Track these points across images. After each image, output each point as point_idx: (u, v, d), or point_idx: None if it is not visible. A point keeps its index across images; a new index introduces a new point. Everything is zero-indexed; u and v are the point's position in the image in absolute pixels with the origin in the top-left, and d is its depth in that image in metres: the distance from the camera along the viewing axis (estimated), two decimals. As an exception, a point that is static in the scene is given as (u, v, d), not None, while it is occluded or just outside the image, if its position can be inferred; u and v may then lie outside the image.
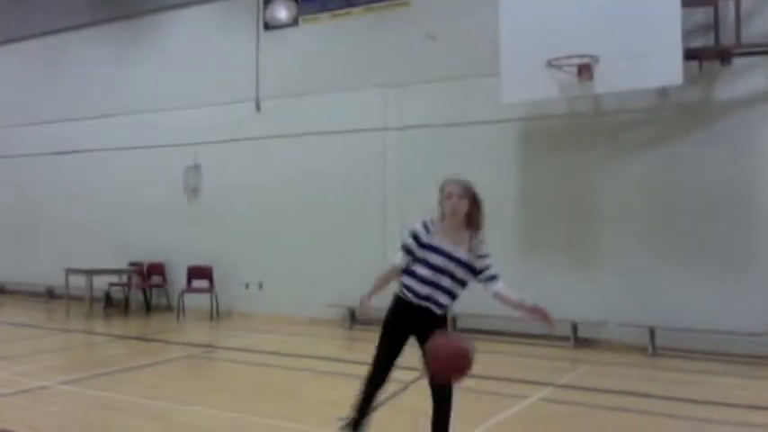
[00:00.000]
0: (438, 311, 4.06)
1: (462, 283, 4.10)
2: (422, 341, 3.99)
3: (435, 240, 4.02)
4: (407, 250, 4.09)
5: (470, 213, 4.04)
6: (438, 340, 3.78)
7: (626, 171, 9.10)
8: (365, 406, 4.20)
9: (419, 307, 4.03)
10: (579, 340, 9.09)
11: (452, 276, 4.02)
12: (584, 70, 8.32)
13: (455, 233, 4.03)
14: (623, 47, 8.14)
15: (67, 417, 5.81)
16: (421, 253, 4.03)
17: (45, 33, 14.77)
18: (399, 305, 4.13)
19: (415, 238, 4.06)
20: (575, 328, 9.07)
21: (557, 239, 9.50)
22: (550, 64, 8.44)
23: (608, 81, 8.31)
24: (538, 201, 9.67)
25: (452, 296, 4.08)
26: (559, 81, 8.52)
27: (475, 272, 4.09)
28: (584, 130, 9.37)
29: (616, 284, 8.98)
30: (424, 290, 4.04)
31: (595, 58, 8.27)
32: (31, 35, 14.98)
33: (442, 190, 4.05)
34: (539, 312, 4.13)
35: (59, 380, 7.02)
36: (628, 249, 9.01)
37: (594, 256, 9.23)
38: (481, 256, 4.08)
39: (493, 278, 4.13)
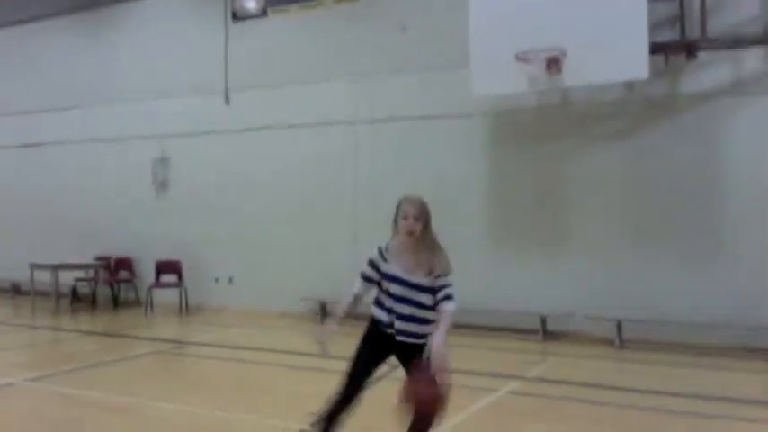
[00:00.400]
0: (413, 341, 3.85)
1: (429, 308, 3.83)
2: (403, 363, 3.95)
3: (392, 267, 3.84)
4: (366, 278, 3.93)
5: (424, 234, 3.82)
6: (414, 385, 3.67)
7: (595, 162, 9.18)
8: (328, 424, 3.92)
9: (392, 336, 3.88)
10: (548, 333, 9.17)
11: (416, 304, 3.82)
12: (553, 63, 8.37)
13: (412, 254, 3.82)
14: (591, 40, 8.20)
15: (34, 414, 5.73)
16: (384, 283, 3.86)
17: (9, 23, 14.45)
18: (377, 329, 3.97)
19: (374, 266, 3.90)
20: (543, 320, 9.15)
21: (526, 231, 9.56)
22: (519, 57, 8.48)
23: (576, 74, 8.36)
24: (507, 192, 9.72)
25: (423, 322, 3.83)
26: (528, 74, 8.56)
27: (435, 293, 3.82)
28: (553, 121, 9.44)
29: (584, 276, 9.08)
30: (392, 321, 3.88)
31: (563, 52, 8.32)
32: (-6, 25, 14.67)
33: (398, 207, 3.86)
34: (433, 361, 3.59)
35: (25, 377, 6.92)
36: (596, 240, 9.10)
37: (563, 248, 9.32)
38: (439, 276, 3.80)
39: (446, 298, 3.78)
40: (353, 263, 10.25)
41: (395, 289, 3.82)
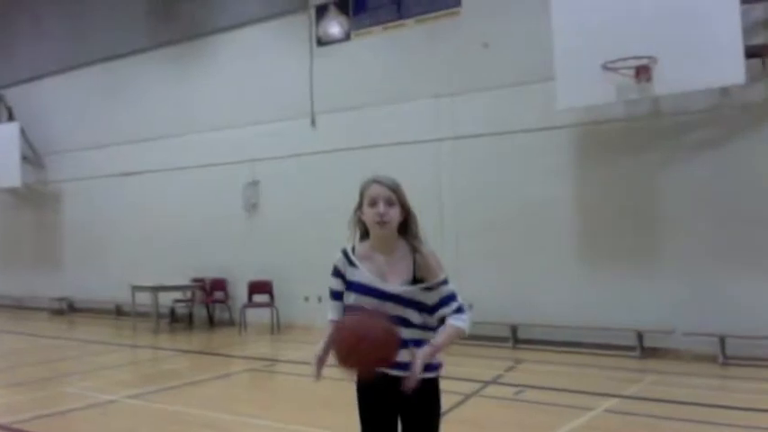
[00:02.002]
0: (399, 373, 2.72)
1: (420, 327, 2.85)
2: (405, 418, 2.89)
3: (359, 274, 2.88)
4: (337, 295, 2.96)
5: (404, 224, 2.90)
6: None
7: (688, 173, 8.83)
8: None
9: (384, 378, 2.76)
10: (645, 350, 8.84)
11: (399, 321, 2.76)
12: (642, 72, 8.15)
13: (386, 254, 2.88)
14: (682, 46, 7.95)
15: (135, 430, 5.94)
16: (352, 296, 2.89)
17: (105, 59, 15.25)
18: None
19: (340, 275, 2.95)
20: (640, 337, 8.83)
21: (617, 246, 9.27)
22: (606, 67, 8.30)
23: (667, 82, 8.12)
24: (596, 207, 9.47)
25: (413, 344, 2.78)
26: (616, 84, 8.37)
27: (427, 308, 2.85)
28: (642, 132, 9.15)
29: (682, 291, 8.71)
30: None
31: (653, 59, 8.09)
32: (93, 61, 15.48)
33: (362, 193, 2.90)
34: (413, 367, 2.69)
35: (126, 394, 7.20)
36: (692, 254, 8.73)
37: (658, 262, 8.98)
38: (431, 288, 2.83)
39: (456, 312, 2.84)
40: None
41: (364, 301, 2.83)
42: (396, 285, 2.82)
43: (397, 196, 2.84)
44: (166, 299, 12.79)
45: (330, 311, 3.00)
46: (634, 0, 8.37)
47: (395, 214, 2.84)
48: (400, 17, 11.27)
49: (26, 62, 16.72)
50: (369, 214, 2.85)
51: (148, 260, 14.06)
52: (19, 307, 16.43)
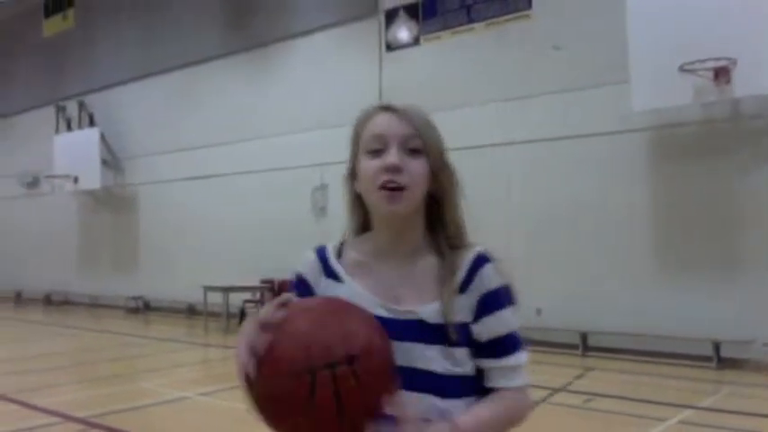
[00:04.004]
0: None
1: (464, 383, 1.46)
2: None
3: (345, 288, 1.55)
4: None
5: (440, 192, 1.55)
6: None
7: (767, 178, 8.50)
8: None
9: None
10: (722, 360, 8.52)
11: (421, 376, 1.42)
12: (722, 74, 7.89)
13: (400, 256, 1.55)
14: (762, 48, 7.65)
15: (207, 427, 6.07)
16: None
17: (180, 66, 15.70)
18: None
19: (305, 291, 1.64)
20: (717, 347, 8.52)
21: (693, 252, 8.98)
22: (684, 68, 8.06)
23: (747, 84, 7.83)
24: (671, 212, 9.20)
25: (441, 416, 1.40)
26: (693, 85, 8.13)
27: (462, 343, 1.45)
28: (720, 136, 8.84)
29: (762, 300, 8.36)
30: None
31: (733, 61, 7.82)
32: (168, 69, 15.97)
33: (357, 136, 1.55)
34: None
35: (198, 392, 7.36)
36: (775, 262, 8.39)
37: (736, 270, 8.64)
38: (486, 304, 1.48)
39: (510, 363, 1.48)
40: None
41: None
42: (420, 307, 1.47)
43: (425, 142, 1.51)
44: (237, 299, 13.04)
45: None
46: (712, -1, 8.13)
47: (420, 173, 1.48)
48: (470, 21, 11.21)
49: (106, 70, 17.38)
50: (368, 173, 1.48)
51: (220, 261, 14.37)
52: (96, 305, 17.05)
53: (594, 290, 9.51)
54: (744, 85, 7.88)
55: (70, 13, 18.61)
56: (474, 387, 1.48)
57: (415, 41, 11.99)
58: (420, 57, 11.92)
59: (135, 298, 15.96)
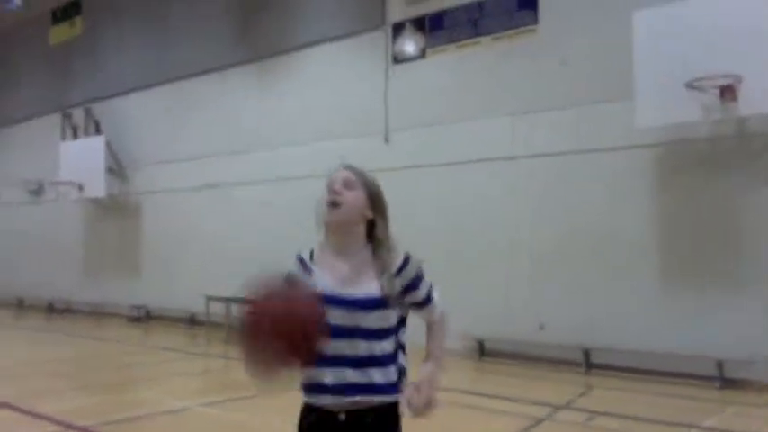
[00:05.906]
0: (368, 400, 2.35)
1: (388, 332, 2.41)
2: None
3: (321, 281, 2.42)
4: None
5: (373, 229, 2.50)
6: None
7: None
8: None
9: (339, 416, 2.37)
10: (726, 380, 8.47)
11: (364, 334, 2.34)
12: (728, 91, 7.88)
13: (348, 256, 2.44)
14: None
15: (206, 438, 6.05)
16: None
17: (187, 75, 15.75)
18: (309, 422, 2.49)
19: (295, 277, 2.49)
20: (720, 366, 8.46)
21: (698, 271, 8.93)
22: (690, 85, 8.06)
23: (753, 102, 7.82)
24: (675, 229, 9.17)
25: (378, 364, 2.38)
26: (700, 103, 8.12)
27: (402, 308, 2.49)
28: (726, 153, 8.82)
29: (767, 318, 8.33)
30: (330, 378, 2.36)
31: (738, 78, 7.82)
32: (175, 77, 16.02)
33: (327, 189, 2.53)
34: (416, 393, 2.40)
35: (199, 402, 7.34)
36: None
37: (741, 288, 8.59)
38: (408, 289, 2.44)
39: (426, 303, 2.56)
40: (515, 297, 10.11)
41: (330, 314, 2.27)
42: (368, 286, 2.36)
43: (361, 181, 2.44)
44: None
45: None
46: (718, 16, 8.11)
47: (353, 199, 2.40)
48: (476, 35, 11.24)
49: (113, 78, 17.45)
50: (323, 202, 2.41)
51: (223, 272, 14.34)
52: (99, 313, 17.03)
53: (597, 306, 9.46)
54: (750, 104, 7.87)
55: (78, 20, 18.73)
56: (392, 332, 2.44)
57: (422, 54, 12.01)
58: (426, 70, 11.94)
59: (137, 307, 15.95)
